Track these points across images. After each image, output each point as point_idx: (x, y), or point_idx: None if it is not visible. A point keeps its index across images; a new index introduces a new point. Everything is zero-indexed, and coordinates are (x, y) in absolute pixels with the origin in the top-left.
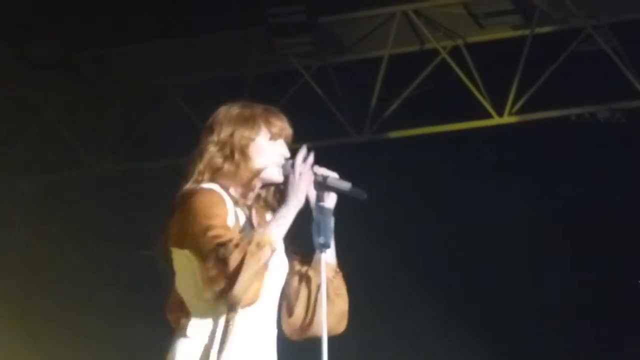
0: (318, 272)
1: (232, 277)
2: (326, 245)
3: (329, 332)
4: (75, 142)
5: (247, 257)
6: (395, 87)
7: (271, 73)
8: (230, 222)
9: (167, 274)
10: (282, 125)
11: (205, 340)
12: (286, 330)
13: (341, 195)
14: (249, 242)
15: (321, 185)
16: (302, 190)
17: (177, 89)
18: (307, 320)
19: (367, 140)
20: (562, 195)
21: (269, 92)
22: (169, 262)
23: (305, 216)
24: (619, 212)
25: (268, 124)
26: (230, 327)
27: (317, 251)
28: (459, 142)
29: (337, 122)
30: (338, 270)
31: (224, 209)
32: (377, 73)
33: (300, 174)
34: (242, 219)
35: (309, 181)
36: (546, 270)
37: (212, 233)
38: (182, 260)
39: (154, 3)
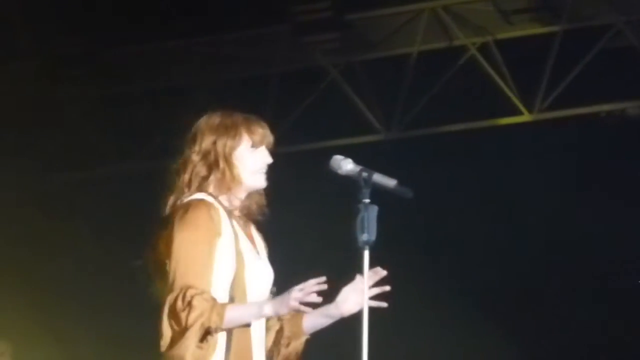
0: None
1: (169, 344)
2: (369, 242)
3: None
4: (102, 140)
5: (189, 331)
6: (424, 84)
7: (297, 71)
8: (225, 233)
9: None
10: (264, 132)
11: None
12: None
13: (385, 193)
14: (199, 315)
15: (366, 182)
16: (279, 312)
17: (201, 88)
18: None
19: (395, 138)
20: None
21: (296, 91)
22: (161, 272)
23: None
24: None
25: (249, 132)
26: (231, 339)
27: (361, 248)
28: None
29: (365, 119)
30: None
31: (212, 231)
32: (405, 70)
33: (291, 299)
34: (237, 228)
35: (288, 309)
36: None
37: (185, 278)
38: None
39: (178, 1)
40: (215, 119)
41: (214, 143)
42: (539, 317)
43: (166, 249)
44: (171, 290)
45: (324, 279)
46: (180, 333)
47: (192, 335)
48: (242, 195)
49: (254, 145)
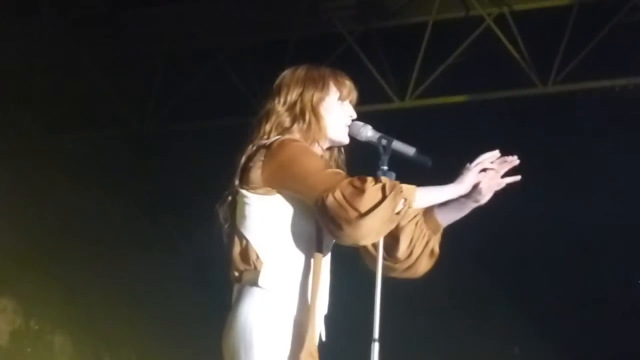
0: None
1: (366, 211)
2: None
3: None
4: (117, 102)
5: (388, 198)
6: (440, 53)
7: (315, 37)
8: None
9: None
10: (351, 86)
11: (292, 292)
12: (391, 267)
13: (405, 161)
14: (393, 186)
15: (386, 149)
16: (469, 183)
17: (220, 50)
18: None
19: (410, 107)
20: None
21: (312, 56)
22: (235, 207)
23: None
24: None
25: (338, 83)
26: (317, 276)
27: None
28: (502, 110)
29: (379, 88)
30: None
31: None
32: (421, 39)
33: (478, 167)
34: None
35: (475, 180)
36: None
37: (331, 170)
38: (262, 204)
39: None
40: (301, 71)
41: (301, 94)
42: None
43: (276, 172)
44: (325, 187)
45: (496, 152)
46: (371, 207)
47: (386, 212)
48: (324, 147)
49: (341, 99)
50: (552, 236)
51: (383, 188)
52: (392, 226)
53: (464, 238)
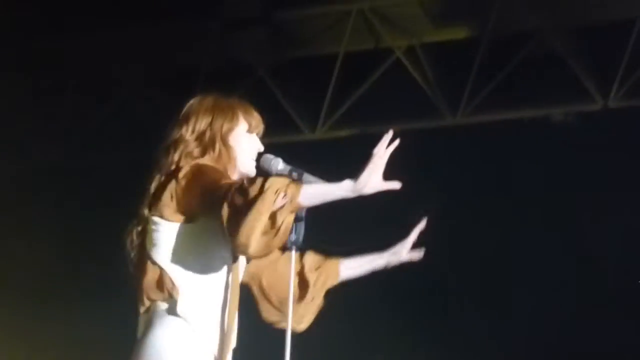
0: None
1: (245, 207)
2: (296, 243)
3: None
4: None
5: (266, 192)
6: (351, 84)
7: (225, 67)
8: None
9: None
10: (259, 118)
11: (209, 322)
12: (266, 314)
13: None
14: (273, 182)
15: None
16: (369, 184)
17: (131, 78)
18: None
19: (320, 138)
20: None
21: (221, 86)
22: (145, 235)
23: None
24: None
25: (247, 115)
26: (233, 305)
27: (289, 249)
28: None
29: (290, 119)
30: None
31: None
32: (332, 70)
33: (378, 161)
34: None
35: (371, 173)
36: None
37: (226, 180)
38: (174, 231)
39: None
40: (209, 100)
41: (210, 124)
42: None
43: (186, 198)
44: (222, 196)
45: (391, 132)
46: (247, 204)
47: (264, 205)
48: (232, 178)
49: (249, 130)
50: None
51: (262, 184)
52: (280, 225)
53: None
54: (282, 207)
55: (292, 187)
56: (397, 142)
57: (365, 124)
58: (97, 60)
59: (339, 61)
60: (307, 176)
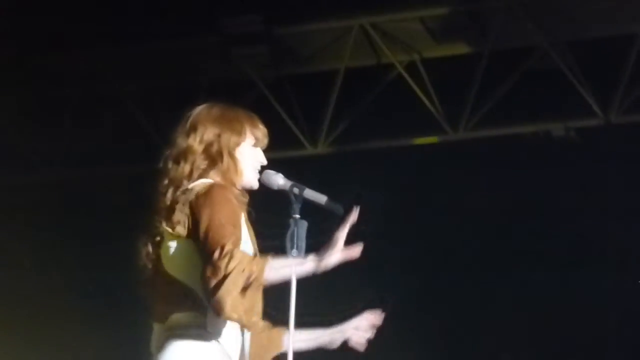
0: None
1: (215, 286)
2: (299, 250)
3: None
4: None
5: (232, 273)
6: (352, 100)
7: (226, 83)
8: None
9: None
10: (265, 131)
11: (232, 339)
12: None
13: (319, 209)
14: (240, 261)
15: (297, 198)
16: (322, 264)
17: (130, 94)
18: None
19: (322, 153)
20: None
21: (223, 102)
22: (162, 248)
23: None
24: None
25: (254, 128)
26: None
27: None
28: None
29: (292, 134)
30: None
31: (239, 207)
32: (333, 86)
33: (341, 241)
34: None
35: (334, 261)
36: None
37: (228, 228)
38: (191, 246)
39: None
40: (217, 110)
41: (218, 136)
42: None
43: (193, 227)
44: (209, 253)
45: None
46: (220, 281)
47: (232, 282)
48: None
49: (255, 144)
50: None
51: (227, 263)
52: (247, 302)
53: None
54: (248, 285)
55: (259, 266)
56: (356, 215)
57: (367, 138)
58: (98, 77)
59: (341, 76)
60: (307, 191)
